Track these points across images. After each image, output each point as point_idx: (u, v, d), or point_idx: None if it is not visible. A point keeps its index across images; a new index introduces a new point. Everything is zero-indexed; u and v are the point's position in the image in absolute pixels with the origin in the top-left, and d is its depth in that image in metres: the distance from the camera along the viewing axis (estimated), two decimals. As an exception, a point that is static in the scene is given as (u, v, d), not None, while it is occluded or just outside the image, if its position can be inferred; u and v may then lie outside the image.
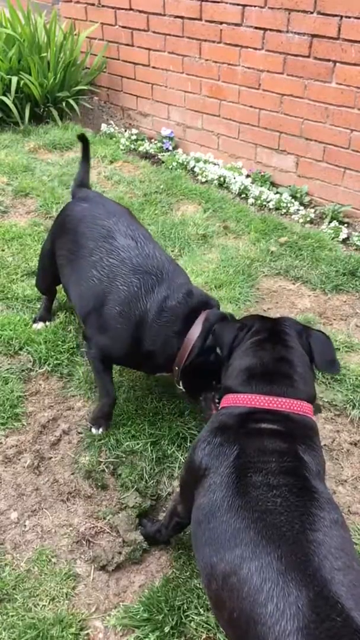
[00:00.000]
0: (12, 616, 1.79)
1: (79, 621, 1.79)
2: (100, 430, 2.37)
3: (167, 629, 1.73)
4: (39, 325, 2.92)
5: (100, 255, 2.26)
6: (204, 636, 1.73)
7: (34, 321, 2.94)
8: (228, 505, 1.36)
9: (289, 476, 1.39)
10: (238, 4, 4.09)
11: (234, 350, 1.81)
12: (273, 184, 4.47)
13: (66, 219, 2.53)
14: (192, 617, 1.78)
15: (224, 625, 1.33)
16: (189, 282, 2.29)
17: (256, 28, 4.06)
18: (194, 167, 4.70)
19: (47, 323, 2.93)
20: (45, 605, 1.83)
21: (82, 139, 2.83)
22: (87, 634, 1.77)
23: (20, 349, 2.77)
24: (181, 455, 2.29)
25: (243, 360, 1.73)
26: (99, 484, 2.20)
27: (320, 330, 1.83)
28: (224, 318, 2.15)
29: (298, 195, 4.23)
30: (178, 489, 1.85)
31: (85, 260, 2.30)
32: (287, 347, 1.71)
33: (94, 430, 2.37)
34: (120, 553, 1.95)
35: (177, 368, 2.17)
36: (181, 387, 2.27)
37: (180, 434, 2.37)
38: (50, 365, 2.70)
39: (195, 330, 2.12)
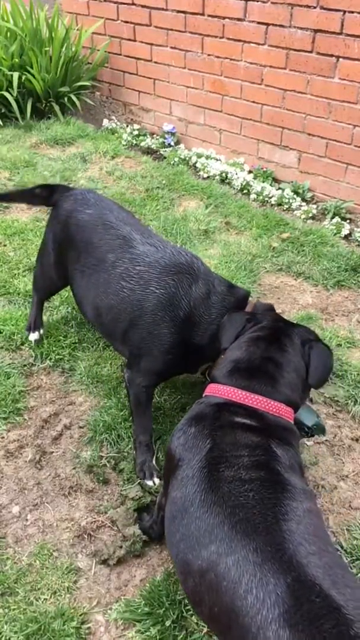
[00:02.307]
0: (13, 610, 1.79)
1: (80, 615, 1.80)
2: (155, 478, 2.15)
3: (168, 623, 1.74)
4: (36, 335, 2.76)
5: (126, 266, 2.16)
6: (204, 630, 1.73)
7: (29, 329, 2.77)
8: (201, 501, 1.37)
9: (261, 470, 1.41)
10: (241, -1, 4.08)
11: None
12: (275, 180, 4.46)
13: (72, 228, 2.35)
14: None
15: (206, 620, 1.35)
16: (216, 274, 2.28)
17: (259, 23, 4.05)
18: (196, 162, 4.69)
19: (42, 330, 2.77)
20: (46, 599, 1.83)
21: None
22: (89, 628, 1.78)
23: (22, 343, 2.78)
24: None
25: (234, 353, 1.75)
26: (101, 479, 2.20)
27: (327, 346, 1.83)
28: (272, 308, 2.15)
29: (300, 191, 4.22)
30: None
31: (108, 273, 2.19)
32: (281, 350, 1.73)
33: (149, 483, 2.15)
34: (121, 547, 1.96)
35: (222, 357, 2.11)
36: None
37: (182, 429, 2.37)
38: (52, 360, 2.71)
39: None
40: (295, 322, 2.03)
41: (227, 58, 4.40)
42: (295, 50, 3.92)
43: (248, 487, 1.36)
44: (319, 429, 2.31)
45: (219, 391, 1.65)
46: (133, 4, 4.99)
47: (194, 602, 1.37)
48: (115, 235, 2.24)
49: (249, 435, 1.50)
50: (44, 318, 2.93)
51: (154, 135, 5.27)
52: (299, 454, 1.61)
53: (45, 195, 2.55)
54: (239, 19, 4.17)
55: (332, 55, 3.72)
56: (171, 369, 2.25)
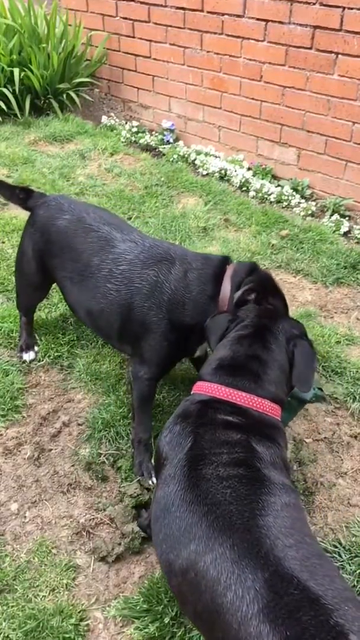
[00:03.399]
0: (12, 607, 1.79)
1: (79, 612, 1.80)
2: (154, 477, 2.11)
3: (166, 620, 1.74)
4: (31, 355, 2.70)
5: (110, 267, 2.22)
6: (203, 627, 1.74)
7: (21, 350, 2.71)
8: (180, 500, 1.38)
9: (239, 467, 1.42)
10: (240, -5, 4.06)
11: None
12: (274, 177, 4.45)
13: (53, 236, 2.37)
14: (192, 608, 1.78)
15: (192, 618, 1.35)
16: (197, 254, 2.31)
17: (258, 19, 4.03)
18: (195, 159, 4.68)
19: (37, 348, 2.73)
20: (45, 596, 1.83)
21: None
22: (87, 625, 1.78)
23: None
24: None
25: (219, 352, 1.76)
26: (99, 476, 2.20)
27: (311, 343, 1.83)
28: (253, 268, 2.17)
29: (299, 188, 4.22)
30: None
31: (95, 277, 2.24)
32: (266, 348, 1.74)
33: (150, 482, 2.14)
34: (120, 544, 1.96)
35: None
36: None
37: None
38: (51, 358, 2.70)
39: (227, 288, 2.13)
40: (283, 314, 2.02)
41: (226, 55, 4.38)
42: (294, 46, 3.91)
43: (226, 484, 1.37)
44: (319, 399, 2.27)
45: (204, 388, 1.67)
46: (132, 0, 4.97)
47: (180, 601, 1.38)
48: (95, 237, 2.28)
49: (230, 432, 1.51)
50: (42, 315, 2.93)
51: (153, 132, 5.26)
52: (284, 450, 1.60)
53: (22, 197, 2.55)
54: (238, 15, 4.16)
55: (331, 52, 3.71)
56: (171, 356, 2.27)
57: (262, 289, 2.06)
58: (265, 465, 1.45)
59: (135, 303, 2.17)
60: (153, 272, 2.17)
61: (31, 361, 2.70)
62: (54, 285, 2.61)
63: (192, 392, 1.72)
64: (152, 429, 2.27)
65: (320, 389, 2.25)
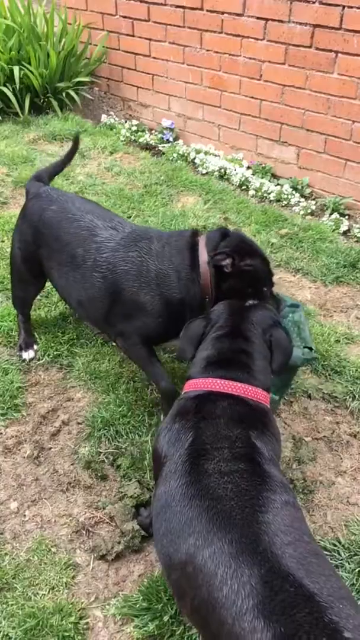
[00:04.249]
0: (11, 605, 1.79)
1: (79, 610, 1.80)
2: None
3: (166, 618, 1.74)
4: (30, 354, 2.70)
5: (94, 256, 2.27)
6: (203, 625, 1.74)
7: (21, 349, 2.71)
8: (182, 495, 1.39)
9: (241, 462, 1.43)
10: (239, -6, 4.06)
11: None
12: (274, 176, 4.45)
13: (41, 227, 2.42)
14: (191, 607, 1.78)
15: (188, 614, 1.35)
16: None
17: (258, 18, 4.03)
18: (195, 158, 4.68)
19: (36, 347, 2.74)
20: (44, 594, 1.83)
21: (76, 140, 2.76)
22: (87, 623, 1.78)
23: (20, 339, 2.77)
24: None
25: (203, 353, 1.79)
26: (99, 475, 2.20)
27: (286, 331, 1.87)
28: (225, 234, 2.22)
29: (299, 187, 4.22)
30: None
31: (82, 267, 2.30)
32: (248, 341, 1.78)
33: None
34: (119, 543, 1.96)
35: (207, 299, 2.19)
36: None
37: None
38: (50, 356, 2.70)
39: (204, 256, 2.18)
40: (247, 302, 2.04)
41: (226, 53, 4.38)
42: (294, 45, 3.90)
43: (227, 479, 1.38)
44: (310, 361, 2.26)
45: (198, 384, 1.68)
46: (131, -2, 4.97)
47: (177, 596, 1.38)
48: (79, 227, 2.34)
49: (230, 426, 1.53)
50: (42, 314, 2.93)
51: (153, 131, 5.25)
52: (279, 444, 1.63)
53: (28, 187, 2.62)
54: (237, 14, 4.15)
55: (331, 51, 3.71)
56: (163, 332, 2.30)
57: (237, 253, 2.11)
58: (265, 461, 1.46)
59: (124, 285, 2.22)
60: (135, 253, 2.24)
61: (31, 360, 2.70)
62: (73, 310, 2.60)
63: (183, 392, 1.73)
64: (168, 376, 2.31)
65: (311, 349, 2.23)
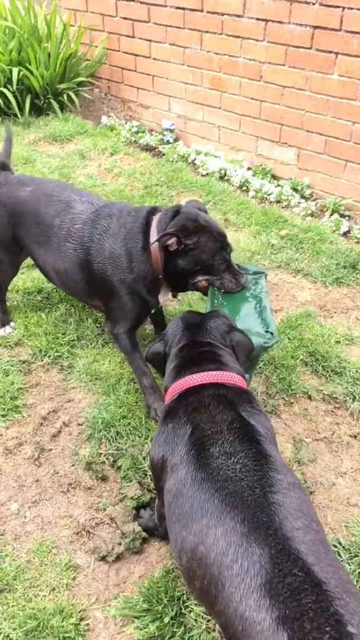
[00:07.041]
0: (12, 606, 1.79)
1: (79, 611, 1.80)
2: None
3: (166, 620, 1.74)
4: (7, 329, 2.83)
5: (68, 226, 2.40)
6: (203, 626, 1.74)
7: None
8: (192, 480, 1.41)
9: (243, 442, 1.46)
10: (239, -5, 4.06)
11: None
12: (274, 177, 4.45)
13: (17, 207, 2.55)
14: (192, 608, 1.78)
15: (197, 596, 1.37)
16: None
17: (258, 19, 4.04)
18: (195, 159, 4.68)
19: (12, 324, 2.86)
20: (45, 595, 1.84)
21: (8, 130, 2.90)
22: (87, 624, 1.78)
23: (21, 340, 2.77)
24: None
25: (171, 364, 1.82)
26: (99, 476, 2.20)
27: (245, 334, 1.91)
28: (176, 213, 2.28)
29: (299, 188, 4.22)
30: None
31: (57, 237, 2.44)
32: (211, 345, 1.82)
33: None
34: (120, 544, 1.96)
35: (161, 277, 2.31)
36: (177, 296, 2.56)
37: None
38: (51, 358, 2.71)
39: (154, 237, 2.27)
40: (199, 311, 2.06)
41: (226, 54, 4.38)
42: (294, 46, 3.91)
43: (234, 459, 1.40)
44: (272, 346, 2.22)
45: (177, 387, 1.70)
46: (132, 0, 4.97)
47: (187, 578, 1.40)
48: (57, 200, 2.51)
49: (222, 409, 1.56)
50: (42, 315, 2.93)
51: (153, 132, 5.26)
52: (268, 419, 1.65)
53: None
54: (238, 15, 4.16)
55: (331, 52, 3.71)
56: (138, 309, 2.44)
57: (181, 231, 2.16)
58: (263, 438, 1.49)
59: (92, 260, 2.38)
60: (96, 229, 2.39)
61: (9, 334, 2.82)
62: (54, 285, 2.64)
63: (166, 401, 1.75)
64: (150, 372, 2.38)
65: (272, 333, 2.09)
